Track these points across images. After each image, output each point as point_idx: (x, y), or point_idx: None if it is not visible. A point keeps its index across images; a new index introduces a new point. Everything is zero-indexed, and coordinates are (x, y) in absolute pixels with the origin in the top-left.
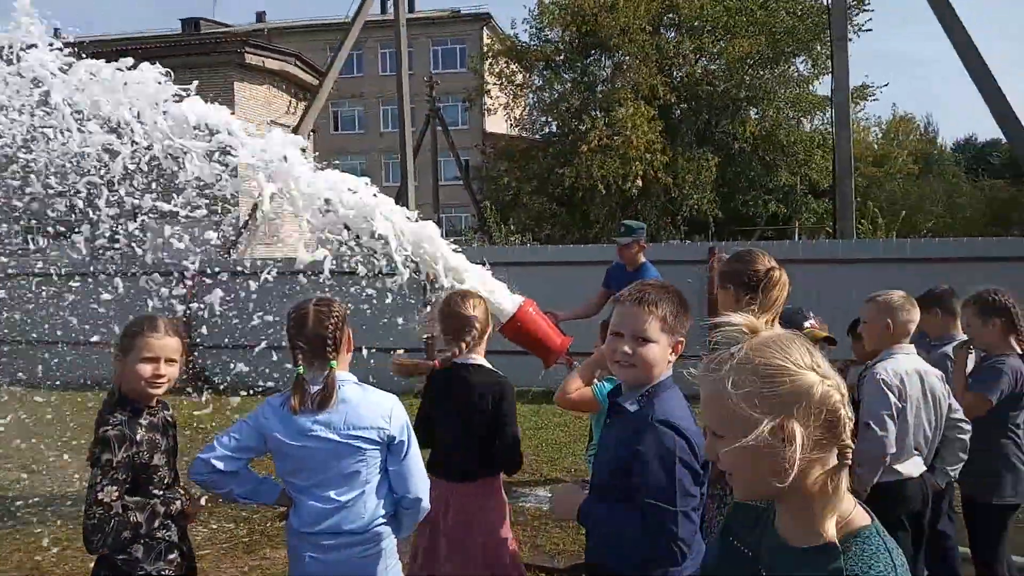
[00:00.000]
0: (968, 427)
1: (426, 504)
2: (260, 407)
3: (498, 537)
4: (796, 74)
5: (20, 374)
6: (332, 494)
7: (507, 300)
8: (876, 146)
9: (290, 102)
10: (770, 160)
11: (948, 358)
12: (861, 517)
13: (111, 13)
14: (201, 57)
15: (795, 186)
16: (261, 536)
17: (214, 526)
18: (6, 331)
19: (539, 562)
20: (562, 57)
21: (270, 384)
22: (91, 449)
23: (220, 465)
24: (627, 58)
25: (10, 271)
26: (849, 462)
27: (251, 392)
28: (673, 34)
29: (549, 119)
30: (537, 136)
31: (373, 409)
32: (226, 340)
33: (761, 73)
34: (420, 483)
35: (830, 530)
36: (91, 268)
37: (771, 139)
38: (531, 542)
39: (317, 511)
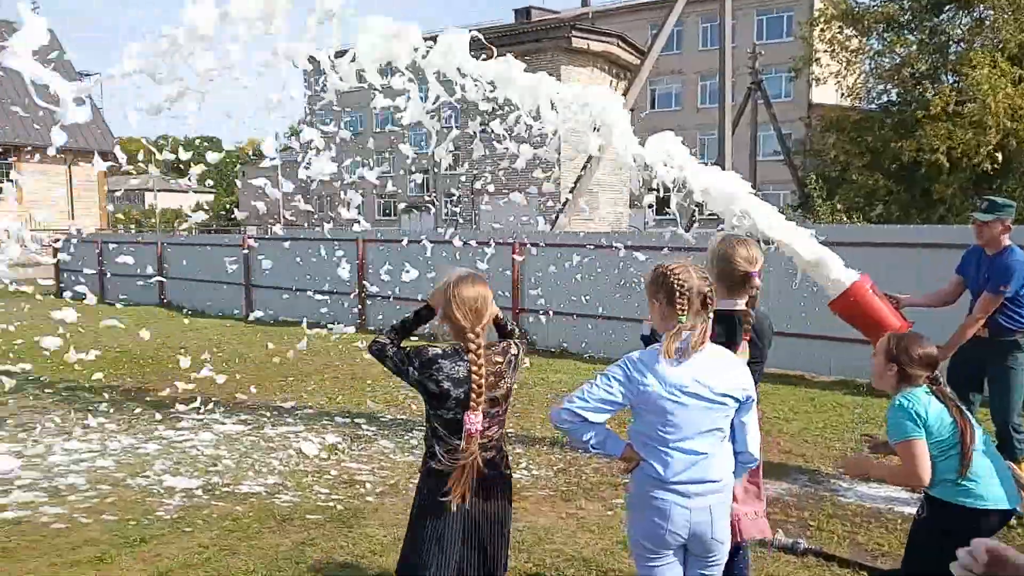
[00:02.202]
0: None
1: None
2: (628, 361)
3: None
4: None
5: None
6: (698, 446)
7: (839, 272)
8: None
9: (610, 82)
10: None
11: None
12: None
13: (448, 7)
14: (532, 44)
15: None
16: (578, 488)
17: (536, 472)
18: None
19: (860, 559)
20: (908, 16)
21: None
22: None
23: (587, 415)
24: (991, 12)
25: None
26: None
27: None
28: None
29: (888, 86)
30: (873, 106)
31: (736, 369)
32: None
33: None
34: (758, 440)
35: None
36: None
37: None
38: (851, 538)
39: (685, 461)
